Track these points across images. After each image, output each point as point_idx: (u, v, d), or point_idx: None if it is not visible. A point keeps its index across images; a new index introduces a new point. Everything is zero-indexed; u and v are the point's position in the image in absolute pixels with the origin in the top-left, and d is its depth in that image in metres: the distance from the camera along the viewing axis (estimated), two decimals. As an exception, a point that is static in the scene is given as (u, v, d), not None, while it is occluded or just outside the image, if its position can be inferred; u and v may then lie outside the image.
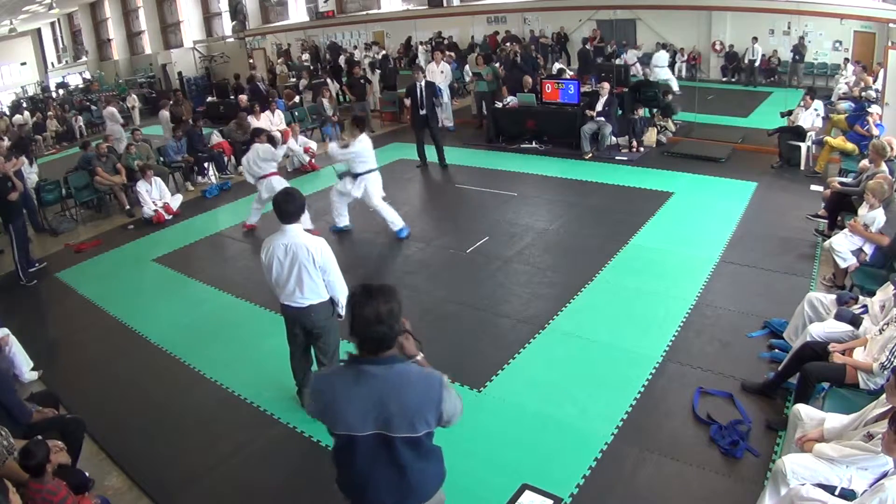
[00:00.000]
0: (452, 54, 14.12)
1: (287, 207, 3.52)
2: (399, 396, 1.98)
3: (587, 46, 13.42)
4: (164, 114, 12.00)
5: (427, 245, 6.77)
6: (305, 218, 7.15)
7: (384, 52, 15.04)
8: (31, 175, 9.14)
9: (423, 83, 9.12)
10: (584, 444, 3.63)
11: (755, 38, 11.77)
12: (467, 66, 13.85)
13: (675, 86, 11.35)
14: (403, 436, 2.00)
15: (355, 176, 6.82)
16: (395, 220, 6.93)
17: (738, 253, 5.94)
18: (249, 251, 7.06)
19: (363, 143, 6.77)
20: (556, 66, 12.66)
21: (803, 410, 3.16)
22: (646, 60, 12.54)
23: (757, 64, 12.00)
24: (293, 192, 3.65)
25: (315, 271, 3.56)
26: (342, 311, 3.78)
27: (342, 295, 3.70)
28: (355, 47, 17.21)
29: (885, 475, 2.54)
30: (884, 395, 2.83)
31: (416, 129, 9.48)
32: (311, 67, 17.04)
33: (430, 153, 9.51)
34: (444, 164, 9.46)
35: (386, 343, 1.99)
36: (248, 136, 10.60)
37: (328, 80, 13.76)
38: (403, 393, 1.98)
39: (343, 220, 7.28)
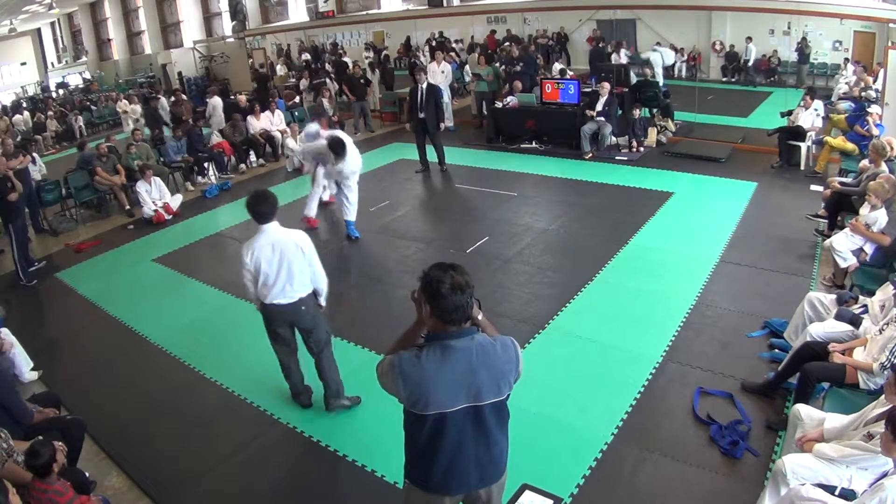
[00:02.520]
0: (453, 54, 14.12)
1: (261, 209, 3.60)
2: (486, 364, 2.09)
3: (600, 45, 13.38)
4: None
5: (427, 245, 6.77)
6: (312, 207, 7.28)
7: (369, 60, 14.90)
8: (35, 174, 9.15)
9: (424, 85, 8.94)
10: (584, 444, 3.63)
11: (749, 38, 11.80)
12: (467, 66, 13.85)
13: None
14: (492, 401, 2.13)
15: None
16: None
17: (738, 253, 5.94)
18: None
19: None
20: (557, 66, 12.66)
21: (803, 410, 3.16)
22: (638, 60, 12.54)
23: (751, 63, 11.99)
24: (264, 192, 3.70)
25: (304, 263, 3.64)
26: (324, 301, 3.92)
27: (324, 284, 3.85)
28: (343, 49, 17.14)
29: (885, 475, 2.54)
30: (883, 395, 2.83)
31: (415, 133, 9.30)
32: (312, 67, 17.03)
33: (431, 154, 9.45)
34: (443, 168, 9.38)
35: (466, 314, 2.07)
36: (245, 136, 10.68)
37: (328, 80, 13.77)
38: (489, 360, 2.10)
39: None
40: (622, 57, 12.29)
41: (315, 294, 3.82)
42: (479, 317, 2.24)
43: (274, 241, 3.57)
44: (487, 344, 2.12)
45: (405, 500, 2.37)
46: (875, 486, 2.43)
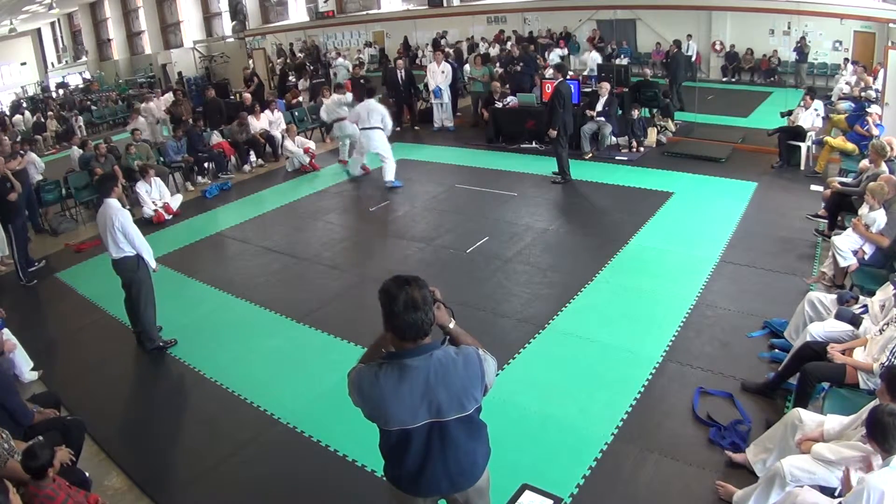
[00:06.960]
0: (451, 52, 14.10)
1: (101, 186, 5.00)
2: (444, 382, 2.05)
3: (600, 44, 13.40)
4: None
5: (427, 245, 6.77)
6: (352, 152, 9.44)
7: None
8: (35, 173, 9.13)
9: (557, 83, 8.12)
10: (584, 444, 3.63)
11: (689, 35, 12.07)
12: (466, 67, 13.82)
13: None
14: (456, 417, 2.09)
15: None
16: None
17: (738, 253, 5.94)
18: (249, 251, 7.06)
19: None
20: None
21: (803, 414, 3.15)
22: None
23: (693, 60, 12.14)
24: (106, 174, 5.38)
25: (117, 233, 4.71)
26: (152, 263, 4.96)
27: (144, 251, 4.86)
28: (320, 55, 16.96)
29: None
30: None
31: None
32: (311, 68, 17.03)
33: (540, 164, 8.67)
34: (556, 181, 8.44)
35: (423, 330, 2.03)
36: (250, 135, 10.68)
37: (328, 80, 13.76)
38: (447, 378, 2.05)
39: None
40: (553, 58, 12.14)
41: (140, 258, 4.85)
42: (451, 325, 2.20)
43: (107, 212, 4.73)
44: (448, 360, 2.07)
45: (388, 496, 2.38)
46: (859, 479, 2.43)
